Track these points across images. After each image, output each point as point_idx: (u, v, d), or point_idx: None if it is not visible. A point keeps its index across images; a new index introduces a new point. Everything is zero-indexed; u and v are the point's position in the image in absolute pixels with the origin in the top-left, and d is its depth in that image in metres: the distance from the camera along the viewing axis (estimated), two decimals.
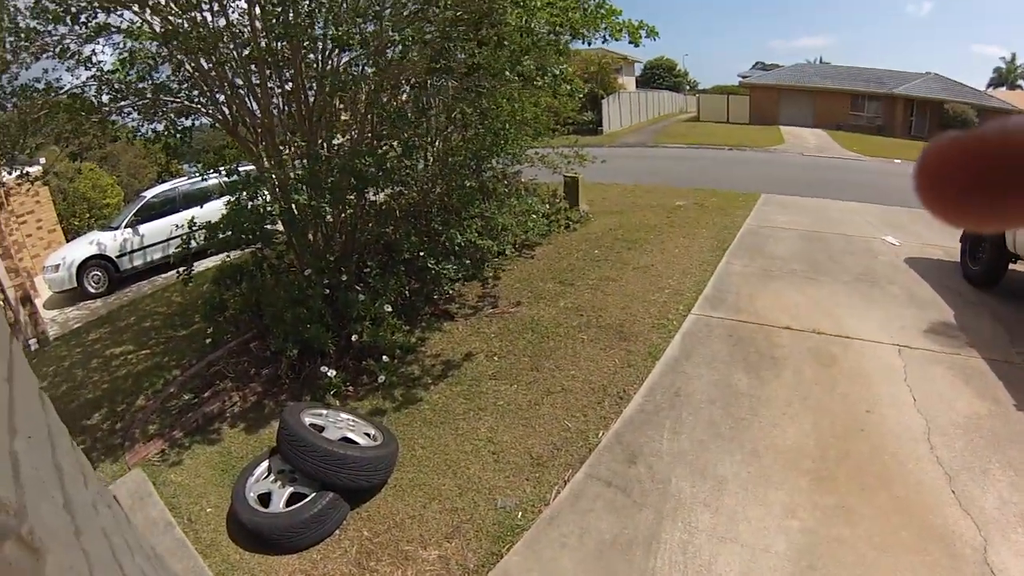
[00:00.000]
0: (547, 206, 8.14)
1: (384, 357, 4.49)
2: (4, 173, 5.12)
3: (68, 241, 9.36)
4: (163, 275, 8.12)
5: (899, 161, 15.08)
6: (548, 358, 4.48)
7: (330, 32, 3.93)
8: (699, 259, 6.45)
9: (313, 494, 2.96)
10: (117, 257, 8.02)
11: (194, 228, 4.89)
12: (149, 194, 8.70)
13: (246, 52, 4.57)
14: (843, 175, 13.00)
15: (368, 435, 3.32)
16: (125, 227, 8.19)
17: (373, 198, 5.61)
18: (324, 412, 3.46)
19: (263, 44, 4.40)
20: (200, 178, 5.84)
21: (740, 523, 2.73)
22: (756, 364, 4.18)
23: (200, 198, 7.69)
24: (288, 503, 2.99)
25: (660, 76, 40.14)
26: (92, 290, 7.81)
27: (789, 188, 10.57)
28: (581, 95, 5.89)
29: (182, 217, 6.14)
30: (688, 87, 43.02)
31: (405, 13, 4.33)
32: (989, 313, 4.80)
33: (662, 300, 5.36)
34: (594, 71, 22.62)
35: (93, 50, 4.55)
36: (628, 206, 9.49)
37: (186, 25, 4.39)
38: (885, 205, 8.64)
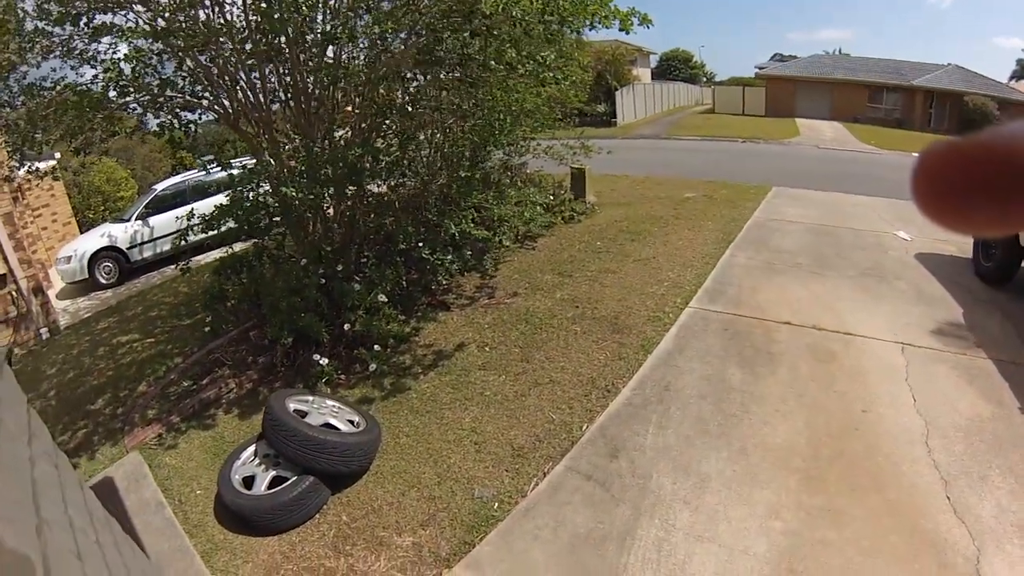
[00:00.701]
0: (552, 197, 8.07)
1: (376, 346, 4.52)
2: (15, 169, 5.26)
3: (82, 233, 9.61)
4: (172, 266, 8.22)
5: (916, 155, 14.66)
6: (539, 349, 4.45)
7: (317, 27, 3.92)
8: (702, 252, 6.33)
9: (294, 478, 2.99)
10: (127, 249, 8.21)
11: (192, 222, 4.96)
12: (160, 187, 8.88)
13: (248, 47, 4.59)
14: (858, 168, 12.61)
15: (351, 422, 3.34)
16: (136, 219, 8.36)
17: (377, 190, 5.62)
18: (310, 398, 3.49)
19: (260, 39, 4.42)
20: (204, 172, 5.92)
21: (720, 522, 2.67)
22: (751, 359, 4.09)
23: (208, 191, 7.85)
24: (270, 486, 3.03)
25: (676, 68, 39.58)
26: (103, 281, 8.01)
27: (802, 181, 10.30)
28: (569, 81, 5.75)
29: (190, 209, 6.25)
30: (704, 79, 42.33)
31: (398, 3, 4.31)
32: (1000, 311, 4.60)
33: (660, 293, 5.27)
34: (608, 61, 22.32)
35: (97, 49, 4.63)
36: (636, 198, 9.36)
37: (182, 21, 4.42)
38: (899, 199, 8.34)
